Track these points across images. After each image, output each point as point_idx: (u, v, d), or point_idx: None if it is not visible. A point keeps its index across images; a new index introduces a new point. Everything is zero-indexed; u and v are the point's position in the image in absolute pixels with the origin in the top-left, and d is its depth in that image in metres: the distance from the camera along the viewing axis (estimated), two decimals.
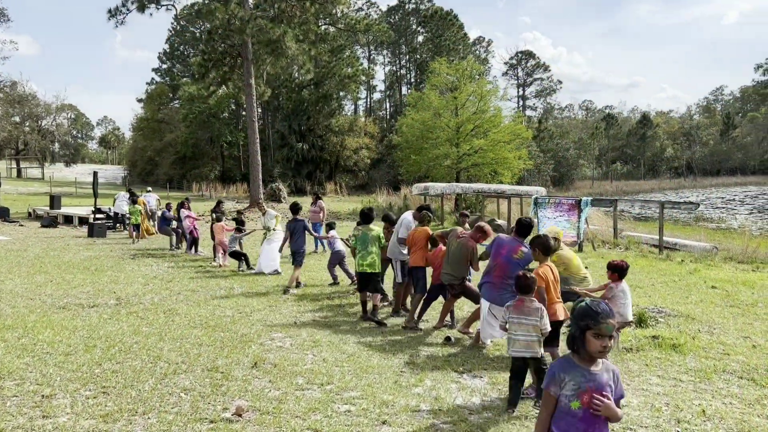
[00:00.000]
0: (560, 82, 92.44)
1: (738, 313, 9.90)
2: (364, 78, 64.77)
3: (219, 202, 16.42)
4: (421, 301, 8.62)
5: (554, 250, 7.14)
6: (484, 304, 7.21)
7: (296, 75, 61.39)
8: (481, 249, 7.91)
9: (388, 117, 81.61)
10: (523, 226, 7.12)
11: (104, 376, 5.81)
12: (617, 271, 6.99)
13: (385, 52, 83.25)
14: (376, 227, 9.15)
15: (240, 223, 14.30)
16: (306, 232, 11.37)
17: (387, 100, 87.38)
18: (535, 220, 21.91)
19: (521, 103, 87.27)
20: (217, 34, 35.20)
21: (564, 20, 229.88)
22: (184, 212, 16.36)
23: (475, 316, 7.96)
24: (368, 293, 8.96)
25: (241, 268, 13.45)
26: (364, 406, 5.27)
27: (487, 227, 7.98)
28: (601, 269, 15.26)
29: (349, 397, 5.49)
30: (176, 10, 37.11)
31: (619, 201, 22.99)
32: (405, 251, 9.16)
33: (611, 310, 2.96)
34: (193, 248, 16.28)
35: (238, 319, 8.68)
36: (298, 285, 11.45)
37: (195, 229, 16.39)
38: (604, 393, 2.92)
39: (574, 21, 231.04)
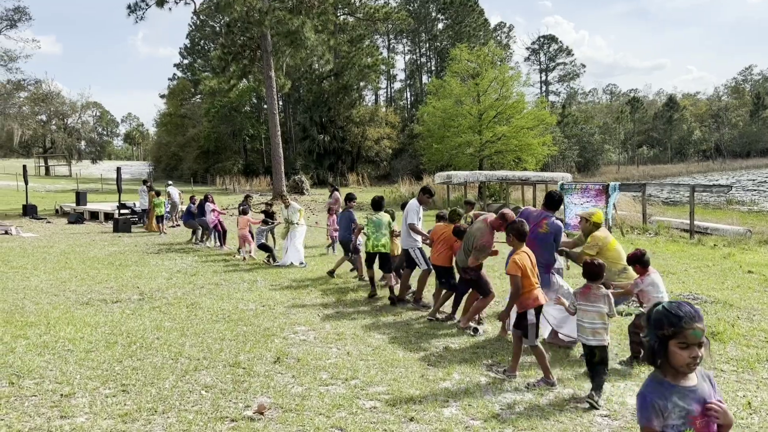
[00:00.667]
0: (584, 66, 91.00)
1: None
2: (384, 67, 64.42)
3: (247, 196, 16.28)
4: (450, 297, 8.45)
5: (587, 233, 6.85)
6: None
7: (316, 66, 61.25)
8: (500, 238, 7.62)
9: (409, 106, 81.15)
10: (553, 199, 6.90)
11: (124, 374, 5.69)
12: (637, 261, 6.12)
13: (404, 40, 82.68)
14: (387, 214, 9.79)
15: (269, 216, 14.20)
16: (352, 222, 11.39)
17: (408, 90, 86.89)
18: (562, 207, 21.53)
19: (544, 88, 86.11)
20: (236, 27, 35.19)
21: (586, 2, 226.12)
22: (209, 206, 16.26)
23: (477, 309, 7.71)
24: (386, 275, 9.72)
25: (268, 260, 13.42)
26: (391, 402, 5.07)
27: (510, 213, 7.49)
28: None
29: (375, 393, 5.29)
30: (195, 4, 37.11)
31: (648, 185, 22.42)
32: (419, 239, 9.21)
33: (697, 311, 2.42)
34: (220, 242, 16.19)
35: (261, 312, 8.54)
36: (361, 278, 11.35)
37: (220, 222, 16.26)
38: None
39: (596, 3, 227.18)
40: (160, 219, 19.60)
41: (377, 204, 9.93)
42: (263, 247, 13.66)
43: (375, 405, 5.03)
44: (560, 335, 6.93)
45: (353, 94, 59.93)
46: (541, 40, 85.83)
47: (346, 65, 55.26)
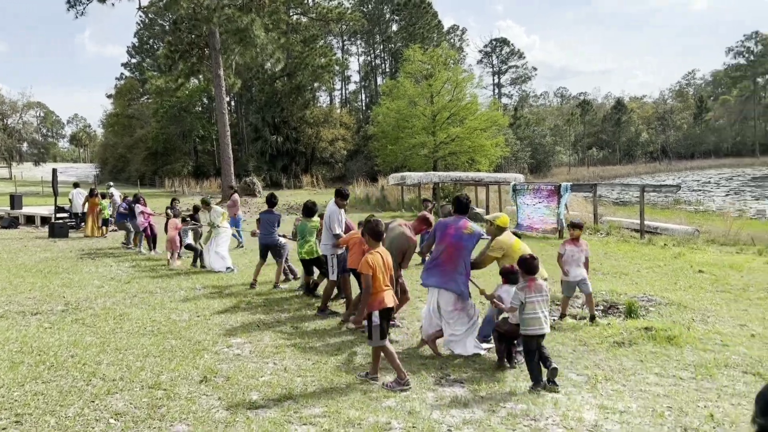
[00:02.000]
0: (535, 69, 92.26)
1: (730, 298, 9.37)
2: (338, 68, 63.81)
3: (173, 200, 15.40)
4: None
5: (493, 236, 6.84)
6: (430, 294, 6.66)
7: (268, 66, 60.13)
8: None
9: (363, 108, 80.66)
10: (462, 204, 6.71)
11: (23, 401, 5.00)
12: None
13: (359, 42, 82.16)
14: (316, 219, 9.47)
15: (189, 216, 13.48)
16: (277, 226, 10.73)
17: (362, 91, 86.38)
18: (514, 208, 21.43)
19: (497, 90, 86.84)
20: (184, 24, 34.10)
21: (537, 8, 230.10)
22: (138, 207, 15.24)
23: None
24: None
25: (195, 263, 12.73)
26: (327, 426, 4.55)
27: (431, 217, 7.60)
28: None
29: (310, 416, 4.75)
30: (139, 1, 35.81)
31: (599, 186, 22.49)
32: (339, 247, 8.71)
33: None
34: (149, 246, 15.22)
35: (194, 323, 7.90)
36: (287, 279, 11.03)
37: (151, 226, 15.24)
38: None
39: (547, 8, 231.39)
40: (106, 222, 18.72)
41: (309, 210, 9.54)
42: (189, 247, 13.04)
43: (308, 431, 4.50)
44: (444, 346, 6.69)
45: (307, 95, 59.06)
46: (494, 43, 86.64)
47: (299, 65, 54.40)
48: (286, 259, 10.91)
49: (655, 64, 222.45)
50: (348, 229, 9.10)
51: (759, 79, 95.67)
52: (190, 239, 13.05)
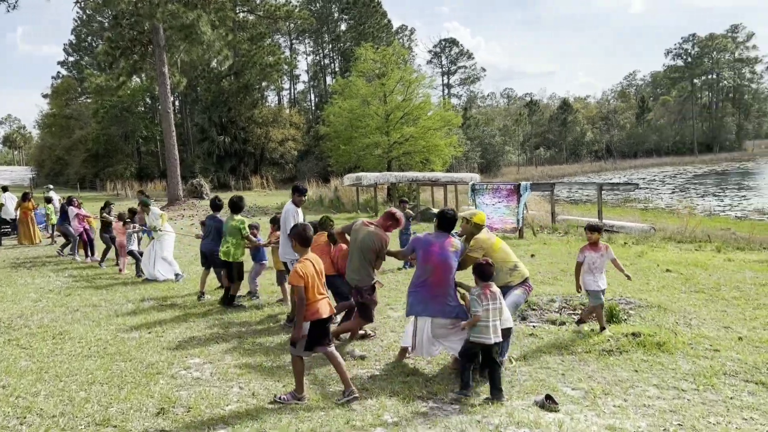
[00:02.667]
0: (484, 70, 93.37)
1: (706, 299, 9.17)
2: (286, 67, 62.68)
3: (107, 203, 14.10)
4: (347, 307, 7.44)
5: (468, 234, 6.32)
6: (420, 322, 5.93)
7: (214, 64, 58.51)
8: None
9: (313, 108, 79.66)
10: (447, 219, 6.06)
11: None
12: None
13: (307, 41, 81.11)
14: (240, 217, 8.98)
15: (120, 218, 12.31)
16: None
17: (311, 91, 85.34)
18: (474, 207, 21.15)
19: (446, 91, 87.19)
20: (125, 20, 32.59)
21: (481, 10, 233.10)
22: (72, 210, 14.09)
23: (346, 328, 7.04)
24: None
25: (139, 274, 11.75)
26: None
27: (399, 213, 6.90)
28: (549, 256, 14.47)
29: None
30: None
31: (557, 185, 22.44)
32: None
33: None
34: (86, 252, 14.10)
35: (145, 341, 7.13)
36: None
37: (86, 230, 14.12)
38: None
39: (492, 11, 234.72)
40: (53, 228, 17.39)
41: (234, 206, 8.97)
42: (133, 255, 12.09)
43: None
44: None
45: (255, 94, 57.72)
46: (443, 43, 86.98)
47: (246, 64, 53.02)
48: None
49: (596, 66, 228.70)
50: None
51: (696, 80, 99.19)
52: (134, 245, 12.06)
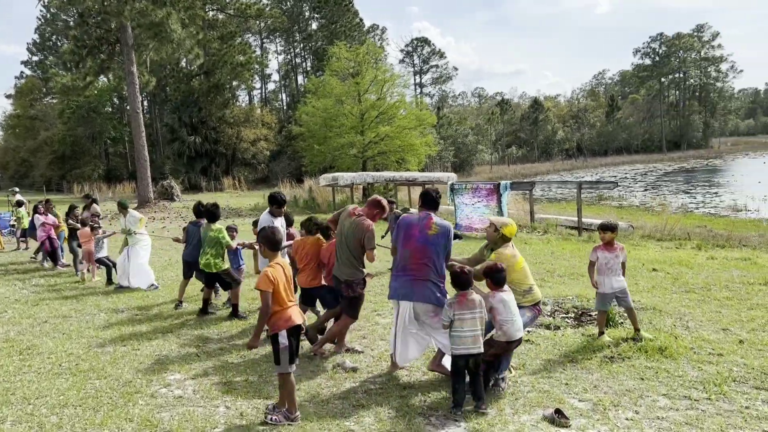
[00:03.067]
0: (456, 69, 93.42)
1: (698, 299, 9.02)
2: (257, 66, 61.88)
3: (72, 207, 13.38)
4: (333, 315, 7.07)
5: (493, 242, 5.88)
6: (403, 307, 5.69)
7: (184, 64, 57.59)
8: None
9: (285, 107, 78.87)
10: (430, 198, 5.83)
11: None
12: (490, 276, 5.36)
13: (278, 40, 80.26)
14: (217, 226, 8.41)
15: (84, 224, 11.50)
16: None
17: (283, 90, 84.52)
18: (452, 207, 20.95)
19: (419, 90, 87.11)
20: (91, 18, 31.66)
21: (451, 10, 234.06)
22: (38, 219, 13.36)
23: (336, 334, 6.60)
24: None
25: (109, 283, 11.09)
26: None
27: (384, 201, 6.57)
28: (532, 256, 14.27)
29: None
30: None
31: (537, 183, 22.34)
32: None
33: None
34: (51, 260, 13.35)
35: (121, 356, 6.68)
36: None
37: (51, 238, 13.27)
38: None
39: (461, 10, 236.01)
40: (25, 233, 16.23)
41: (210, 214, 8.43)
42: (102, 262, 11.40)
43: None
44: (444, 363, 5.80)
45: (226, 94, 56.81)
46: (415, 42, 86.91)
47: (217, 63, 52.10)
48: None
49: (564, 65, 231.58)
50: (289, 239, 8.08)
51: (664, 79, 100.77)
52: (104, 252, 11.40)
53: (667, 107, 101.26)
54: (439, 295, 5.57)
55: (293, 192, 36.03)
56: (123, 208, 10.94)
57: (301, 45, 77.91)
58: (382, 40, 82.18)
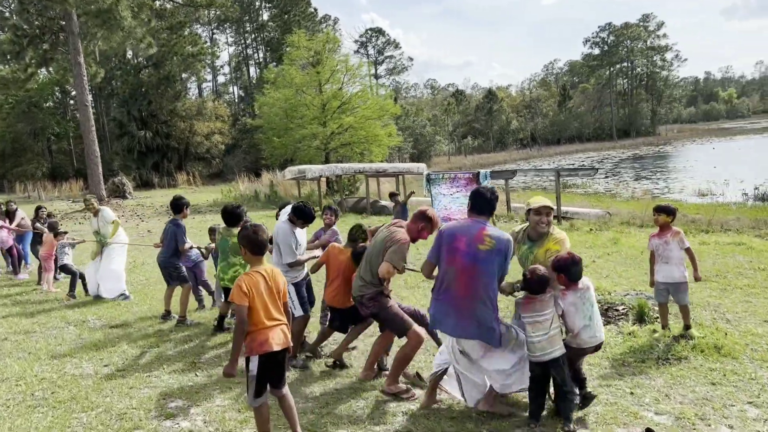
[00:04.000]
0: (411, 60, 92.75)
1: (719, 288, 8.56)
2: (209, 58, 59.89)
3: (39, 208, 11.92)
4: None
5: (538, 233, 4.94)
6: (447, 341, 4.82)
7: (130, 56, 55.19)
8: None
9: (236, 100, 76.85)
10: (483, 200, 4.65)
11: None
12: (564, 271, 4.50)
13: (228, 31, 78.06)
14: (234, 229, 6.76)
15: (52, 228, 10.15)
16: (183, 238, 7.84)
17: (234, 83, 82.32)
18: (429, 198, 20.31)
19: (374, 81, 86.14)
20: (32, 5, 29.66)
21: (399, 1, 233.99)
22: None
23: (403, 361, 5.25)
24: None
25: (71, 294, 9.54)
26: None
27: (432, 212, 5.30)
28: None
29: None
30: None
31: (517, 172, 21.88)
32: (301, 271, 6.29)
33: None
34: (13, 268, 11.78)
35: (105, 379, 5.71)
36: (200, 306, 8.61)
37: (15, 244, 11.71)
38: None
39: (408, 2, 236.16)
40: None
41: (231, 216, 6.89)
42: (66, 270, 9.90)
43: None
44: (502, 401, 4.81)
45: (177, 86, 54.68)
46: (369, 32, 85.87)
47: (166, 54, 50.07)
48: (201, 280, 8.59)
49: (511, 57, 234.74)
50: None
51: (612, 68, 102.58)
52: (69, 259, 9.94)
53: (616, 96, 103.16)
54: (490, 327, 4.43)
55: (253, 186, 34.81)
56: (91, 205, 9.64)
57: (253, 36, 75.95)
58: (335, 30, 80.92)
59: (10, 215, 11.74)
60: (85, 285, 9.68)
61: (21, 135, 53.83)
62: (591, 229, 16.37)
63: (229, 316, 7.33)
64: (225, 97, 79.82)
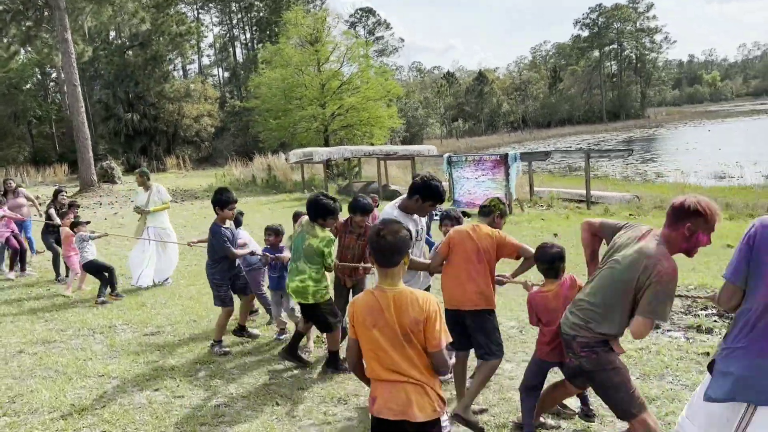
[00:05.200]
0: (402, 41, 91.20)
1: None
2: (194, 39, 57.94)
3: (57, 192, 10.10)
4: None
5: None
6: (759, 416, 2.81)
7: (113, 35, 53.14)
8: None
9: (222, 83, 74.87)
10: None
11: None
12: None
13: (213, 11, 75.90)
14: (326, 233, 5.15)
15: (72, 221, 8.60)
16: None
17: (219, 65, 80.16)
18: (447, 184, 19.31)
19: (365, 62, 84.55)
20: None
21: None
22: None
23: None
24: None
25: (101, 298, 8.03)
26: None
27: (710, 205, 3.24)
28: (573, 236, 12.59)
29: None
30: None
31: (536, 154, 20.89)
32: (425, 277, 4.96)
33: None
34: (20, 265, 10.13)
35: (163, 409, 4.59)
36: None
37: (15, 236, 10.06)
38: None
39: None
40: None
41: (323, 209, 5.14)
42: (93, 268, 8.26)
43: None
44: None
45: (165, 66, 52.79)
46: (359, 13, 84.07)
47: (152, 33, 48.13)
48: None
49: (492, 41, 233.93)
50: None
51: (603, 50, 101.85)
52: (92, 253, 8.25)
53: (606, 78, 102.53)
54: None
55: (251, 172, 33.40)
56: (147, 178, 8.85)
57: (239, 15, 73.88)
58: (323, 10, 79.00)
59: (7, 195, 10.41)
60: (107, 284, 8.24)
61: (1, 118, 51.76)
62: (630, 214, 15.45)
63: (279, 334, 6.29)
64: (209, 79, 77.81)
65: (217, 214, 5.93)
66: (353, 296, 4.97)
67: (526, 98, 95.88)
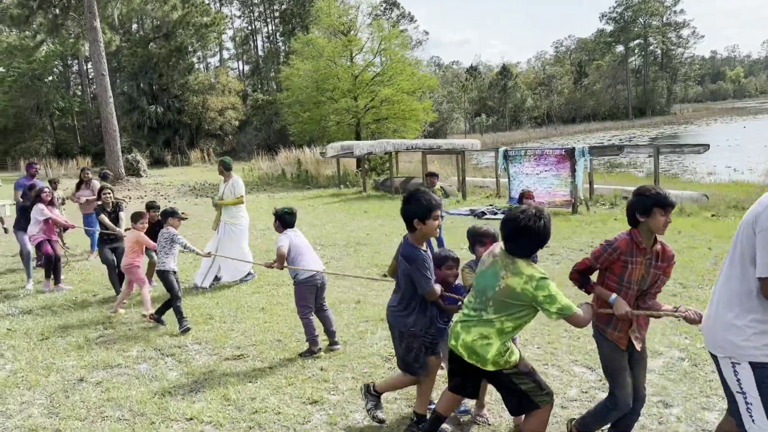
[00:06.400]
0: (427, 33, 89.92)
1: None
2: (222, 29, 57.03)
3: (102, 189, 8.61)
4: None
5: None
6: None
7: (135, 27, 52.46)
8: None
9: (243, 77, 74.01)
10: None
11: None
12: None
13: (235, 3, 75.09)
14: (534, 269, 3.33)
15: (135, 218, 7.18)
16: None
17: (240, 58, 79.27)
18: (504, 179, 18.14)
19: (399, 52, 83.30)
20: None
21: None
22: (39, 210, 8.37)
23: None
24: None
25: (160, 314, 6.63)
26: None
27: None
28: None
29: None
30: None
31: (607, 149, 19.68)
32: None
33: None
34: (54, 276, 8.62)
35: None
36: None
37: (50, 242, 8.53)
38: None
39: None
40: None
41: (533, 234, 3.43)
42: (169, 283, 6.55)
43: None
44: None
45: (189, 58, 51.91)
46: (383, 5, 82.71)
47: (177, 24, 47.22)
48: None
49: (509, 34, 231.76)
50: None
51: (630, 45, 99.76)
52: (172, 262, 6.64)
53: (632, 74, 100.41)
54: None
55: (280, 167, 32.31)
56: (227, 169, 8.30)
57: (261, 8, 72.93)
58: (344, 3, 77.90)
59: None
60: (170, 304, 6.65)
61: (24, 110, 51.23)
62: (713, 215, 14.17)
63: None
64: (230, 73, 77.03)
65: (414, 228, 3.91)
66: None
67: (550, 93, 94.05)
